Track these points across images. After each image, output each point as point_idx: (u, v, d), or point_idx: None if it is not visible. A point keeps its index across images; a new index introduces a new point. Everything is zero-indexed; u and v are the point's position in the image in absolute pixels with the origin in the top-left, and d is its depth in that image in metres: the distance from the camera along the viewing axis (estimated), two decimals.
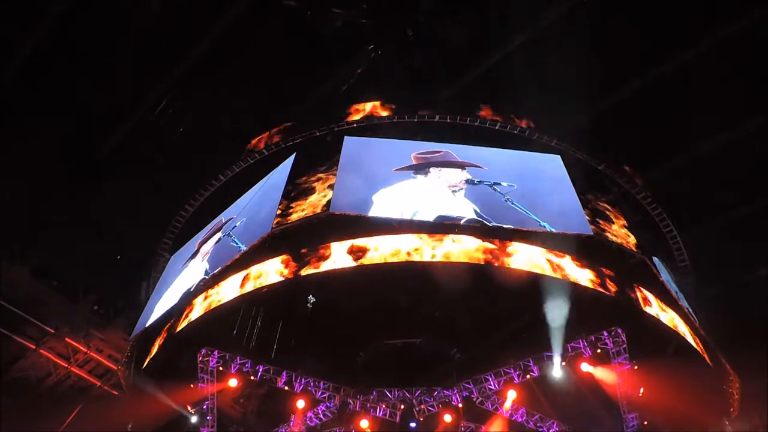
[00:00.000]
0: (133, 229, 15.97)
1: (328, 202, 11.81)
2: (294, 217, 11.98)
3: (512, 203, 11.78)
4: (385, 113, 14.38)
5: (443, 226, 11.46)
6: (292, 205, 12.34)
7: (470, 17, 13.73)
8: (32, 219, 15.64)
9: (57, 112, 14.50)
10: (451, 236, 11.22)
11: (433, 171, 12.80)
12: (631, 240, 12.48)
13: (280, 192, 12.78)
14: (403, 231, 11.49)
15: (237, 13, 13.17)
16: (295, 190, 12.75)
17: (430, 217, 11.67)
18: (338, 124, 14.16)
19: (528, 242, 11.33)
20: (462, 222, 11.42)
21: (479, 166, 12.89)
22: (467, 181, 12.45)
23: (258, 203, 13.55)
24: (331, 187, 12.22)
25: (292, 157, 13.92)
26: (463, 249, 11.11)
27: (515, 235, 11.32)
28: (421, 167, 12.90)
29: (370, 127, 14.17)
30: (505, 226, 11.34)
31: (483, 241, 11.17)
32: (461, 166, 12.87)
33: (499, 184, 12.22)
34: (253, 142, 15.17)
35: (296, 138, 14.44)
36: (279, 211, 12.17)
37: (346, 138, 13.70)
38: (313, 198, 12.29)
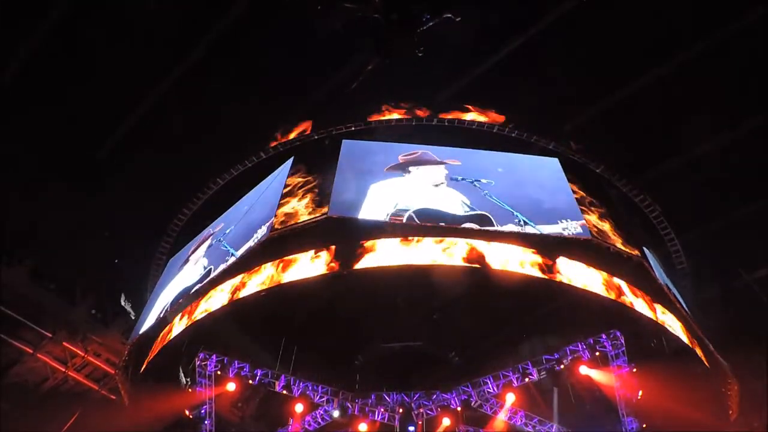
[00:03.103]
0: (131, 231, 15.89)
1: (326, 205, 11.77)
2: (291, 221, 11.94)
3: (490, 197, 11.91)
4: (386, 116, 14.34)
5: (442, 229, 11.44)
6: (290, 208, 12.29)
7: (469, 17, 13.65)
8: (30, 221, 15.57)
9: (56, 113, 14.45)
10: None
11: (413, 169, 13.00)
12: (629, 242, 12.44)
13: (277, 196, 12.72)
14: (399, 233, 11.46)
15: (237, 13, 13.12)
16: (292, 194, 12.70)
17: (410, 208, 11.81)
18: (336, 128, 14.12)
19: (521, 244, 11.32)
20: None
21: (455, 162, 13.13)
22: (450, 179, 12.59)
23: (255, 207, 13.50)
24: (328, 190, 12.18)
25: (290, 161, 13.88)
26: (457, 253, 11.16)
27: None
28: (404, 166, 13.07)
29: (368, 131, 14.13)
30: (490, 222, 11.46)
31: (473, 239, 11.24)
32: (437, 163, 13.08)
33: (479, 180, 12.38)
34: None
35: (294, 141, 14.41)
36: (276, 215, 12.11)
37: (344, 141, 13.66)
38: (310, 202, 12.24)
